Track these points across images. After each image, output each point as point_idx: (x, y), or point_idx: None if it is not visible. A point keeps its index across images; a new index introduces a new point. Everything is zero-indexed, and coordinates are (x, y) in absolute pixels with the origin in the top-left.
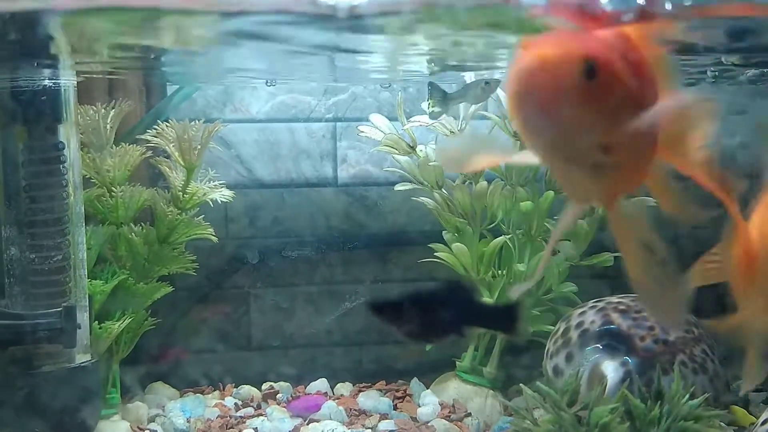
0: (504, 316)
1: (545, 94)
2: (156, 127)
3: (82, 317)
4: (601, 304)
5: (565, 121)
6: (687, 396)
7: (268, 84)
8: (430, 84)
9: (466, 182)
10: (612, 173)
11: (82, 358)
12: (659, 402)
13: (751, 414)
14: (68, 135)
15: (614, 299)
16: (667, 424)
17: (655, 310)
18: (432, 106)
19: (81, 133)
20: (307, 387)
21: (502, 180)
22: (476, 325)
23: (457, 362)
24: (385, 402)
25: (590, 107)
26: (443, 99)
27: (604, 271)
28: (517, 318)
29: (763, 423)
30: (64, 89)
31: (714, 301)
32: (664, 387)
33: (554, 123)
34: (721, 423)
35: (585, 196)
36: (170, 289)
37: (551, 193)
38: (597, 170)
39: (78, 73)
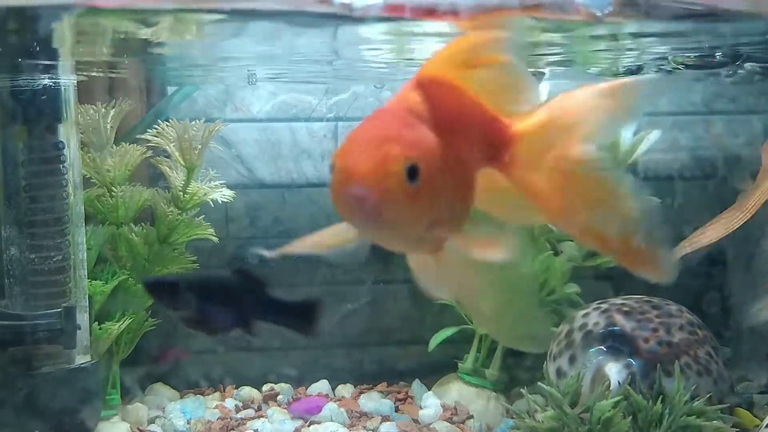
0: (300, 314)
1: (370, 205)
2: (156, 126)
3: (82, 318)
4: (604, 306)
5: (391, 225)
6: (688, 395)
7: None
8: None
9: None
10: (435, 237)
11: (81, 358)
12: (661, 400)
13: (755, 416)
14: (68, 134)
15: (618, 300)
16: (669, 421)
17: None
18: None
19: (81, 133)
20: (308, 388)
21: None
22: (267, 320)
23: (459, 364)
24: (386, 404)
25: (415, 206)
26: None
27: (608, 273)
28: (314, 317)
29: None
30: (65, 88)
31: (718, 301)
32: (667, 389)
33: (381, 228)
34: (724, 424)
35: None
36: None
37: None
38: (421, 240)
39: (79, 70)
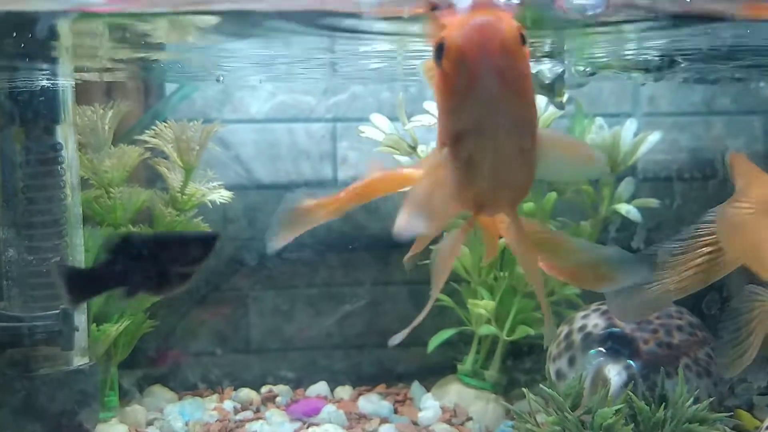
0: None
1: (503, 52)
2: (154, 127)
3: (80, 319)
4: (604, 307)
5: (515, 83)
6: (691, 399)
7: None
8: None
9: None
10: (525, 164)
11: (79, 360)
12: (663, 405)
13: (755, 418)
14: (66, 136)
15: None
16: (671, 427)
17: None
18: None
19: (79, 134)
20: (307, 390)
21: None
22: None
23: (458, 365)
24: (385, 406)
25: (526, 67)
26: None
27: None
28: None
29: None
30: (62, 90)
31: (718, 303)
32: (668, 391)
33: (509, 83)
34: (725, 427)
35: (497, 191)
36: None
37: (554, 194)
38: (519, 157)
39: (77, 71)
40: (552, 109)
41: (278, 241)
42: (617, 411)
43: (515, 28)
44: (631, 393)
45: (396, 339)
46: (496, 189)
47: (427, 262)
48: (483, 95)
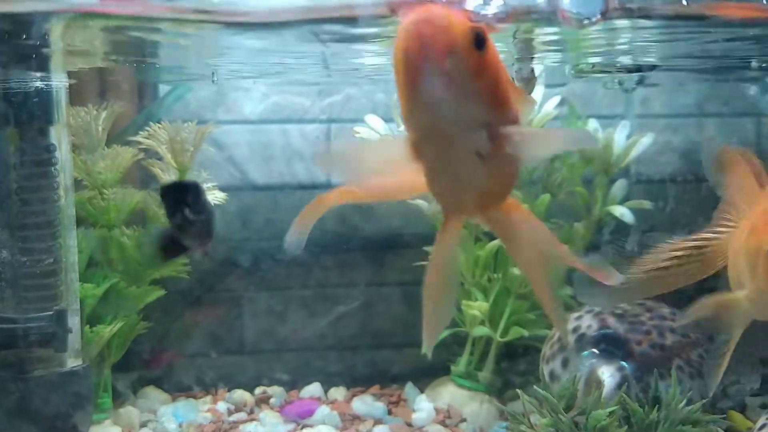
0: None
1: (441, 52)
2: (148, 128)
3: (74, 321)
4: (597, 309)
5: (456, 87)
6: (684, 401)
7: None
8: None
9: None
10: (488, 168)
11: (73, 362)
12: (656, 407)
13: (748, 419)
14: (60, 137)
15: None
16: (664, 428)
17: None
18: None
19: (72, 135)
20: (301, 391)
21: None
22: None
23: (452, 367)
24: (379, 407)
25: (479, 76)
26: None
27: None
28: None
29: (761, 428)
30: (56, 90)
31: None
32: (661, 392)
33: (447, 86)
34: (719, 429)
35: (458, 196)
36: (162, 292)
37: (548, 196)
38: (476, 162)
39: (71, 72)
40: (545, 110)
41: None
42: (611, 413)
43: (464, 29)
44: (624, 395)
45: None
46: (454, 194)
47: (422, 263)
48: (420, 98)
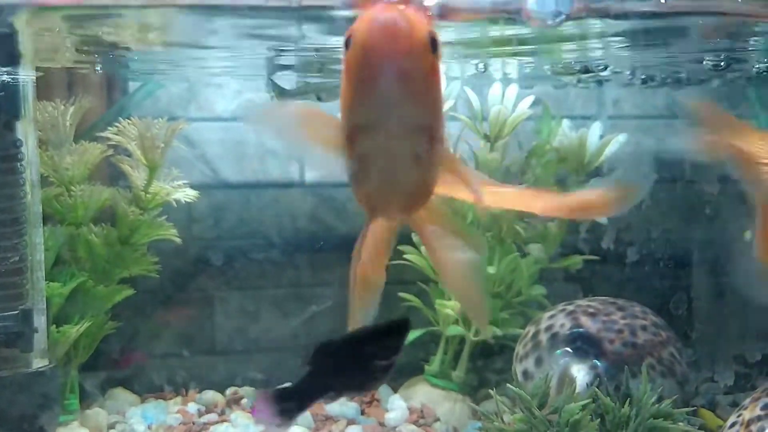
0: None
1: (403, 51)
2: (118, 124)
3: (40, 320)
4: (570, 307)
5: (412, 87)
6: (655, 397)
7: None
8: (271, 80)
9: None
10: (420, 170)
11: (39, 362)
12: (628, 402)
13: (718, 417)
14: (26, 132)
15: (584, 302)
16: (636, 423)
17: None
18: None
19: (39, 130)
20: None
21: None
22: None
23: (425, 366)
24: (352, 407)
25: (432, 78)
26: (281, 94)
27: (575, 274)
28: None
29: (731, 426)
30: (23, 85)
31: (684, 304)
32: (633, 389)
33: (405, 85)
34: (692, 427)
35: (387, 196)
36: (131, 291)
37: None
38: (412, 163)
39: (38, 66)
40: (519, 110)
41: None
42: (584, 407)
43: (424, 31)
44: (597, 390)
45: None
46: (385, 192)
47: (396, 262)
48: (377, 94)
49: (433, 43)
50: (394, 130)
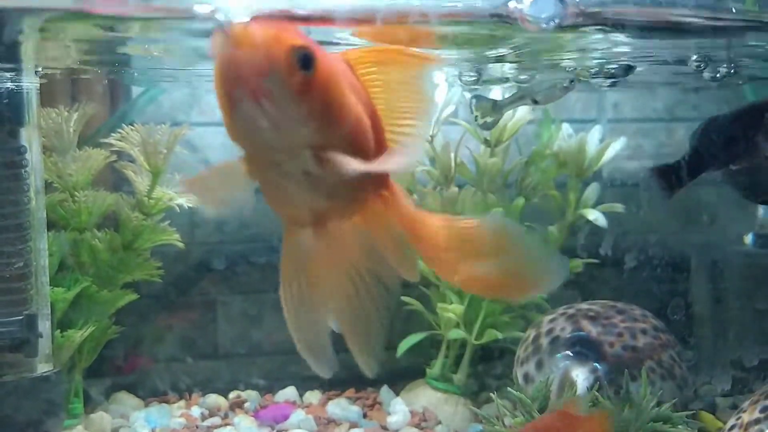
0: None
1: (255, 74)
2: (120, 130)
3: (44, 325)
4: (571, 311)
5: (276, 110)
6: (654, 401)
7: None
8: (476, 96)
9: (437, 188)
10: (323, 189)
11: (43, 367)
12: (628, 406)
13: (718, 419)
14: (30, 138)
15: (584, 306)
16: (636, 427)
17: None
18: (483, 117)
19: (43, 137)
20: (276, 395)
21: (472, 186)
22: None
23: (427, 370)
24: (354, 410)
25: (305, 99)
26: (492, 108)
27: (575, 278)
28: None
29: (730, 429)
30: (27, 92)
31: (683, 308)
32: (633, 393)
33: (262, 109)
34: (689, 428)
35: (290, 211)
36: (135, 296)
37: (522, 199)
38: (304, 181)
39: (43, 75)
40: (519, 114)
41: None
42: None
43: (285, 48)
44: (597, 393)
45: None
46: (286, 209)
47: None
48: (240, 120)
49: (304, 60)
50: (266, 153)
